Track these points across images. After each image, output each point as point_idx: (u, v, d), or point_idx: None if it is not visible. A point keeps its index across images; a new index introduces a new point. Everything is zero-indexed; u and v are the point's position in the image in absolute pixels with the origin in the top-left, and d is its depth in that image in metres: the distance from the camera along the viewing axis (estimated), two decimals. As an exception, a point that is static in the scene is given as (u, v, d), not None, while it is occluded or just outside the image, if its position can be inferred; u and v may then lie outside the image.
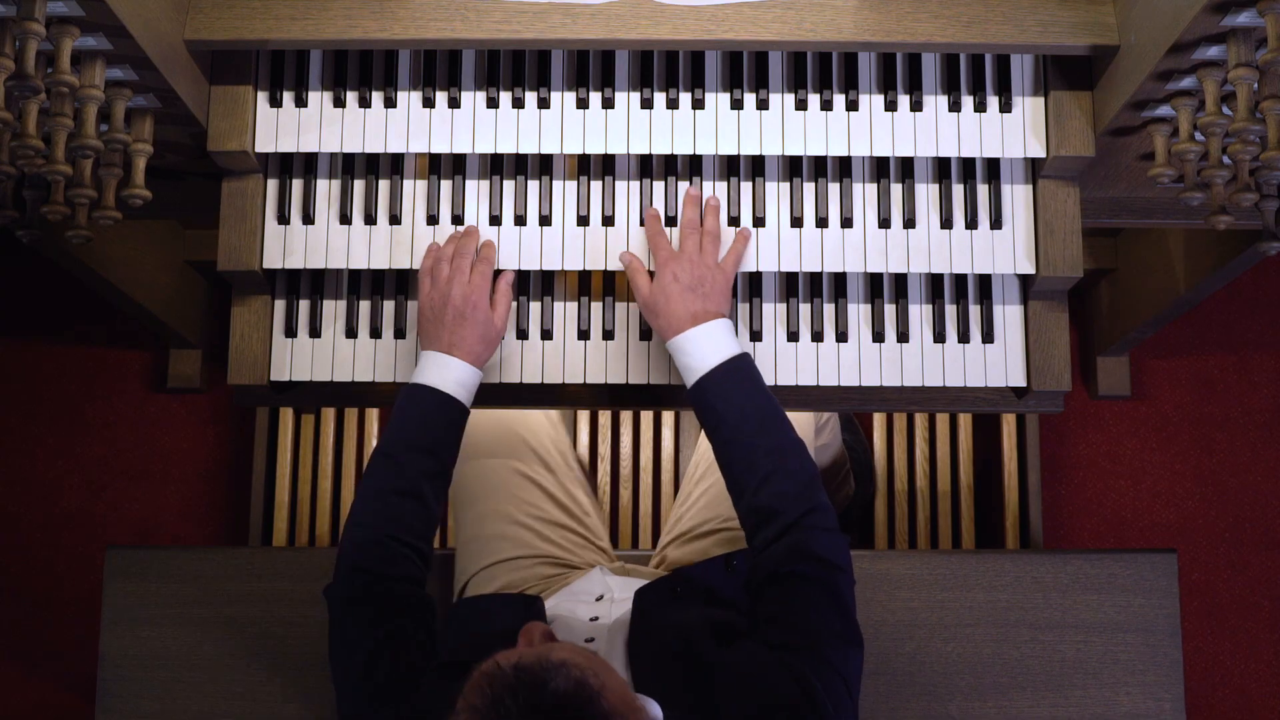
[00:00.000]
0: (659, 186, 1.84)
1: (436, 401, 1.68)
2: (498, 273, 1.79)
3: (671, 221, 1.83)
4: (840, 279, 1.87)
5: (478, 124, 1.80)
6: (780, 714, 1.39)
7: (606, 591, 1.76)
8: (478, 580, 1.89)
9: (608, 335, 1.84)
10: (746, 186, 1.84)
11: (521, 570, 1.88)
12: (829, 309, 1.86)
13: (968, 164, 1.85)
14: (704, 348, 1.67)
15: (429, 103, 1.81)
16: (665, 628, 1.54)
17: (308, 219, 1.83)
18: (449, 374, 1.69)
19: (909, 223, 1.83)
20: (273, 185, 1.83)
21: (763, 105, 1.80)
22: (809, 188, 1.84)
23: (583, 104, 1.81)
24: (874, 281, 1.87)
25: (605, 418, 2.72)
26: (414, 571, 1.62)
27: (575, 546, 1.94)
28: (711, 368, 1.66)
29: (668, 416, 2.68)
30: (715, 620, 1.55)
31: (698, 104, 1.80)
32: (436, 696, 1.44)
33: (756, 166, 1.84)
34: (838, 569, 1.55)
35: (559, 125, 1.81)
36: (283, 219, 1.82)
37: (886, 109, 1.81)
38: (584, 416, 2.70)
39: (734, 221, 1.83)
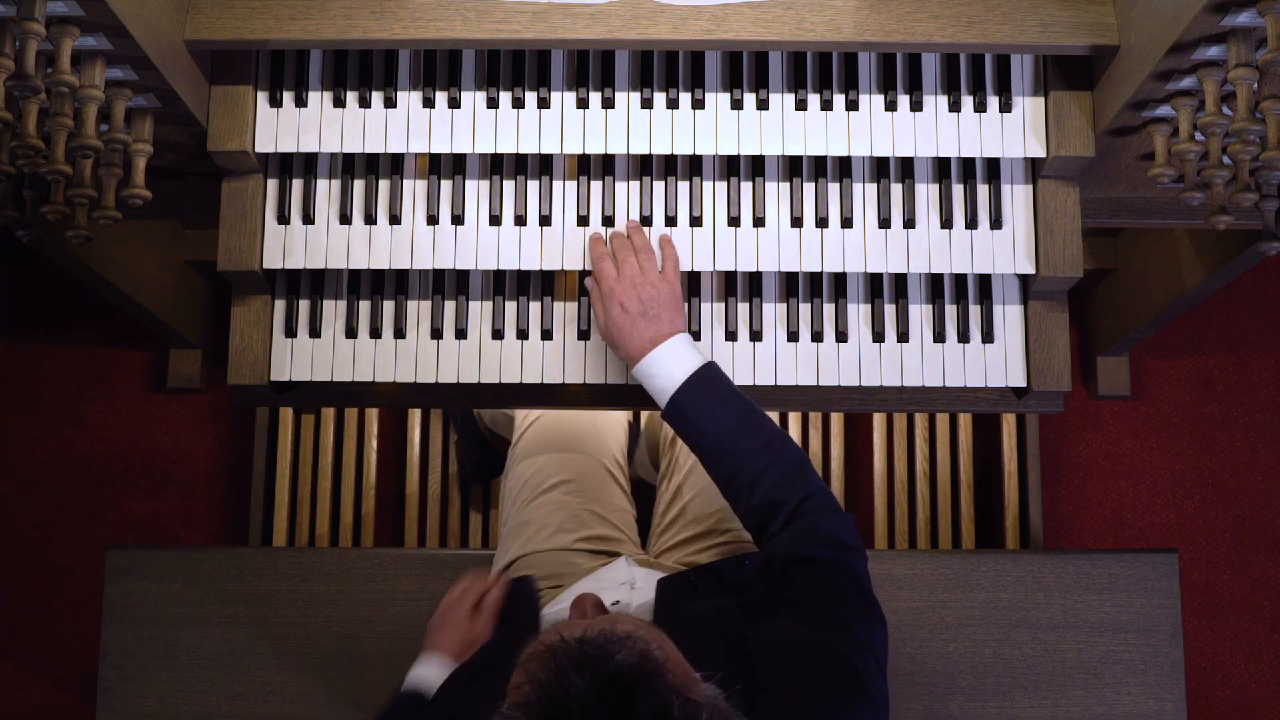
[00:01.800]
0: (659, 186, 1.84)
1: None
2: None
3: (672, 221, 1.83)
4: (840, 279, 1.87)
5: (478, 124, 1.80)
6: (825, 688, 1.39)
7: (630, 580, 1.77)
8: (520, 565, 1.91)
9: (608, 335, 1.85)
10: (746, 186, 1.84)
11: (568, 563, 1.89)
12: (829, 309, 1.86)
13: (968, 164, 1.85)
14: (668, 367, 1.68)
15: (429, 103, 1.81)
16: (692, 612, 1.55)
17: (308, 219, 1.83)
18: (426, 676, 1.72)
19: (909, 223, 1.83)
20: (273, 185, 1.83)
21: (763, 105, 1.80)
22: (809, 188, 1.84)
23: (583, 104, 1.81)
24: (874, 281, 1.87)
25: (605, 418, 2.72)
26: None
27: (624, 540, 1.96)
28: (680, 384, 1.67)
29: (668, 416, 2.68)
30: (743, 603, 1.56)
31: (698, 104, 1.80)
32: None
33: (756, 166, 1.84)
34: (849, 548, 1.55)
35: (559, 125, 1.80)
36: (283, 219, 1.82)
37: (886, 109, 1.81)
38: (584, 416, 2.70)
39: (734, 222, 1.83)
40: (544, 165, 1.84)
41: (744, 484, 1.62)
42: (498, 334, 1.84)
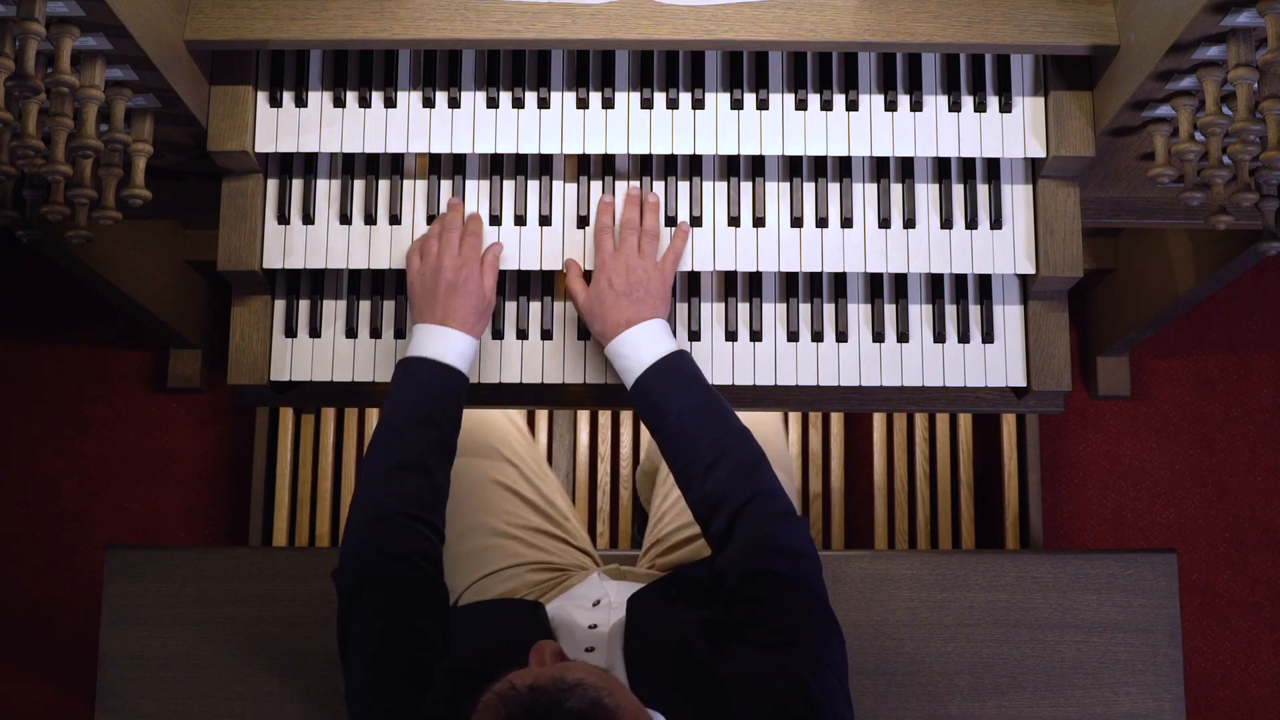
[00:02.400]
0: (659, 186, 1.84)
1: (436, 372, 1.67)
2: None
3: (672, 221, 1.83)
4: (840, 279, 1.87)
5: (478, 124, 1.80)
6: (780, 715, 1.39)
7: (604, 596, 1.76)
8: (469, 595, 1.89)
9: (608, 335, 1.84)
10: (746, 186, 1.84)
11: (512, 580, 1.87)
12: (829, 309, 1.86)
13: (968, 164, 1.85)
14: (639, 348, 1.68)
15: (429, 103, 1.81)
16: (660, 634, 1.54)
17: (308, 219, 1.83)
18: (448, 345, 1.68)
19: (909, 223, 1.83)
20: (273, 185, 1.83)
21: (763, 105, 1.80)
22: (809, 188, 1.84)
23: (583, 104, 1.81)
24: (874, 281, 1.87)
25: (605, 418, 2.72)
26: (427, 547, 1.58)
27: (559, 549, 1.93)
28: (647, 366, 1.67)
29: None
30: (708, 621, 1.55)
31: (698, 104, 1.80)
32: (446, 703, 1.42)
33: (756, 166, 1.84)
34: (802, 556, 1.54)
35: (559, 125, 1.81)
36: (283, 219, 1.82)
37: (886, 109, 1.81)
38: (584, 416, 2.70)
39: (734, 222, 1.83)
40: (544, 165, 1.84)
41: (695, 473, 1.61)
42: (498, 334, 1.84)
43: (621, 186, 1.84)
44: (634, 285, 1.72)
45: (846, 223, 1.83)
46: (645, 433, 2.67)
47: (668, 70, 1.82)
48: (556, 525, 1.96)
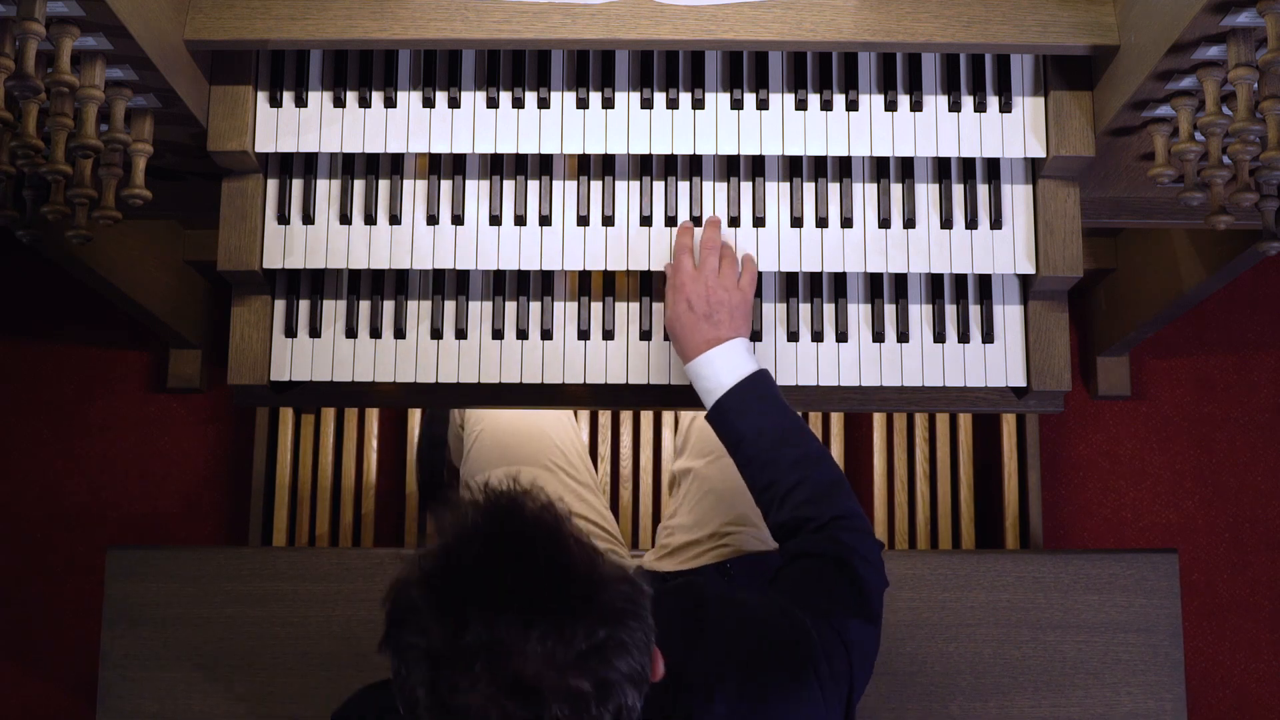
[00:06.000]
0: (659, 186, 1.84)
1: None
2: None
3: (672, 221, 1.83)
4: (840, 279, 1.87)
5: (478, 124, 1.80)
6: (772, 652, 1.38)
7: None
8: None
9: (608, 335, 1.85)
10: (746, 186, 1.84)
11: None
12: (829, 309, 1.87)
13: (968, 164, 1.85)
14: (719, 370, 1.67)
15: (429, 103, 1.81)
16: (681, 588, 1.54)
17: (308, 219, 1.83)
18: None
19: (909, 223, 1.83)
20: (273, 185, 1.83)
21: (763, 105, 1.80)
22: (809, 188, 1.84)
23: (583, 104, 1.81)
24: (874, 281, 1.87)
25: (605, 418, 2.72)
26: None
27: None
28: (727, 389, 1.66)
29: (667, 416, 2.68)
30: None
31: (698, 104, 1.80)
32: None
33: (756, 166, 1.84)
34: (862, 559, 1.54)
35: (559, 125, 1.81)
36: (283, 219, 1.82)
37: (886, 109, 1.81)
38: (584, 416, 2.70)
39: (734, 222, 1.83)
40: (544, 165, 1.84)
41: (776, 495, 1.61)
42: (498, 334, 1.84)
43: (622, 186, 1.84)
44: (714, 307, 1.70)
45: (846, 223, 1.83)
46: (654, 435, 2.67)
47: (668, 70, 1.82)
48: (596, 525, 1.99)
